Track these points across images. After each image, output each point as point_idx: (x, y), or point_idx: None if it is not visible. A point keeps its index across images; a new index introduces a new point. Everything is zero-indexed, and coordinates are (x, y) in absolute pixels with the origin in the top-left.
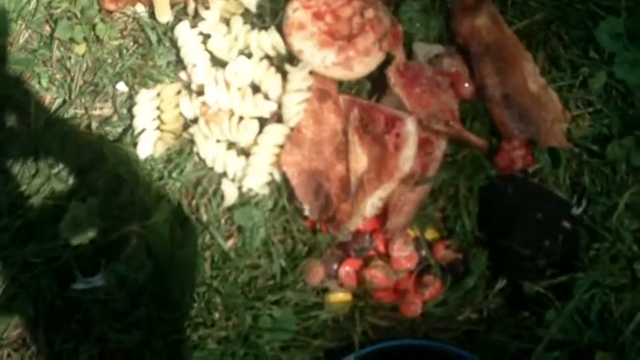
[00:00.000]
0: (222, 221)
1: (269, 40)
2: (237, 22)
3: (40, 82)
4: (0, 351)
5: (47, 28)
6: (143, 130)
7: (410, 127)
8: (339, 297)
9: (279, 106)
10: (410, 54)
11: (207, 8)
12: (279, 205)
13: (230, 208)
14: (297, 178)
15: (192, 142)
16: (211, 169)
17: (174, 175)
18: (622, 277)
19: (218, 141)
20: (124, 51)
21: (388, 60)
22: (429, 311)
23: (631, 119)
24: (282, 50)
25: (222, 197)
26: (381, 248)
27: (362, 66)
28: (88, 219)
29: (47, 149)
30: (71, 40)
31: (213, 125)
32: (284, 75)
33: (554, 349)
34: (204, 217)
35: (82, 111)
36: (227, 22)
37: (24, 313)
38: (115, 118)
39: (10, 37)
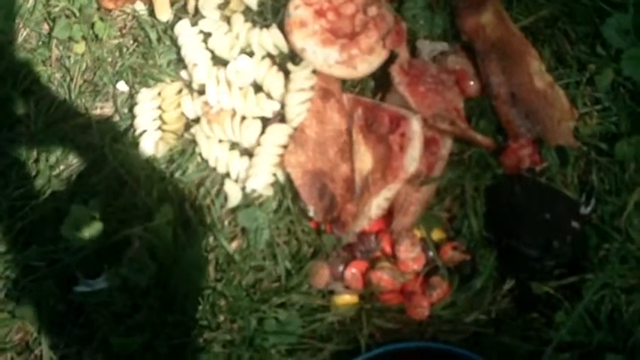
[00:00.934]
0: (226, 223)
1: (271, 39)
2: (238, 20)
3: (39, 82)
4: (3, 355)
5: (45, 26)
6: (144, 130)
7: (415, 126)
8: (345, 299)
9: (282, 106)
10: (414, 52)
11: None
12: (283, 206)
13: (234, 210)
14: (301, 179)
15: (194, 142)
16: (214, 169)
17: (176, 175)
18: (632, 277)
19: (220, 141)
20: (124, 50)
21: (392, 58)
22: (436, 313)
23: (639, 117)
24: (284, 49)
25: (226, 198)
26: (388, 249)
27: (365, 64)
28: (90, 221)
29: (47, 150)
30: (70, 39)
31: (216, 125)
32: (286, 74)
33: (564, 351)
34: (208, 219)
35: (82, 111)
36: (228, 20)
37: (26, 316)
38: (116, 118)
39: (8, 36)
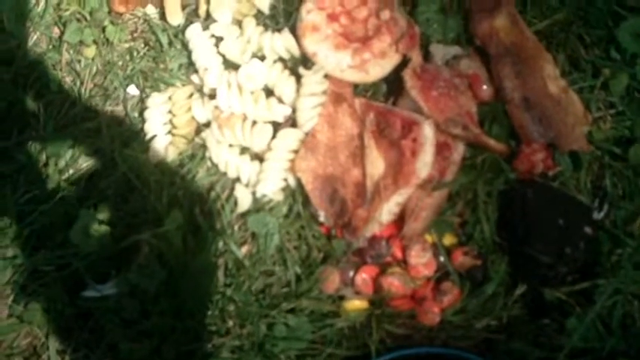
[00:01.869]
0: (236, 228)
1: (282, 43)
2: (250, 24)
3: (49, 86)
4: None
5: (56, 30)
6: (155, 135)
7: (427, 132)
8: (356, 305)
9: (294, 111)
10: (427, 56)
11: None
12: (293, 211)
13: (244, 215)
14: (311, 184)
15: (204, 146)
16: (224, 174)
17: (186, 180)
18: None
19: (231, 146)
20: (135, 54)
21: (404, 62)
22: (447, 319)
23: None
24: (296, 53)
25: (236, 203)
26: (398, 255)
27: (378, 69)
28: (99, 226)
29: (57, 155)
30: (81, 42)
31: (226, 129)
32: (298, 78)
33: (576, 357)
34: (218, 224)
35: (93, 115)
36: (239, 24)
37: (35, 321)
38: (126, 122)
39: (18, 39)
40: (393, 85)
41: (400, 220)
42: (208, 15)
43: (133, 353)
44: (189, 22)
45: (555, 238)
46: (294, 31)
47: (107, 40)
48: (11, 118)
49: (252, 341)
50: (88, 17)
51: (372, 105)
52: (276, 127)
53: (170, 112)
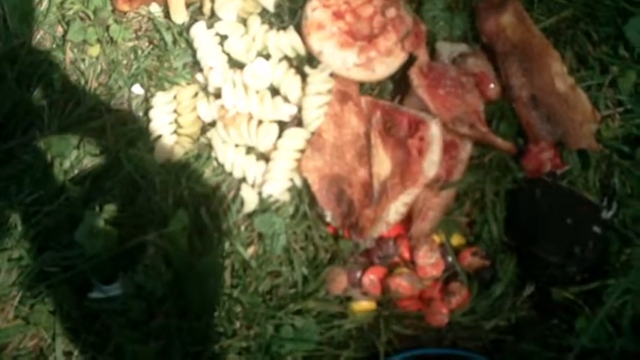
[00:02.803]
0: (242, 228)
1: (288, 41)
2: (255, 22)
3: (53, 85)
4: None
5: (60, 29)
6: (160, 134)
7: (434, 130)
8: (363, 306)
9: (299, 110)
10: (433, 54)
11: None
12: (300, 212)
13: (250, 215)
14: (318, 184)
15: (210, 146)
16: (230, 174)
17: (192, 180)
18: None
19: (237, 145)
20: (139, 52)
21: (411, 60)
22: (455, 320)
23: None
24: (302, 51)
25: (242, 203)
26: (406, 255)
27: (384, 67)
28: (104, 227)
29: (61, 155)
30: (84, 41)
31: (232, 129)
32: (304, 77)
33: (585, 358)
34: (224, 224)
35: (97, 115)
36: (244, 22)
37: (41, 322)
38: (131, 121)
39: (21, 38)
40: (399, 83)
41: (407, 220)
42: (213, 13)
43: (140, 354)
44: (193, 20)
45: (564, 238)
46: (299, 30)
47: (111, 38)
48: (15, 117)
49: (259, 343)
50: (92, 16)
51: (378, 104)
52: (282, 126)
53: (175, 111)
